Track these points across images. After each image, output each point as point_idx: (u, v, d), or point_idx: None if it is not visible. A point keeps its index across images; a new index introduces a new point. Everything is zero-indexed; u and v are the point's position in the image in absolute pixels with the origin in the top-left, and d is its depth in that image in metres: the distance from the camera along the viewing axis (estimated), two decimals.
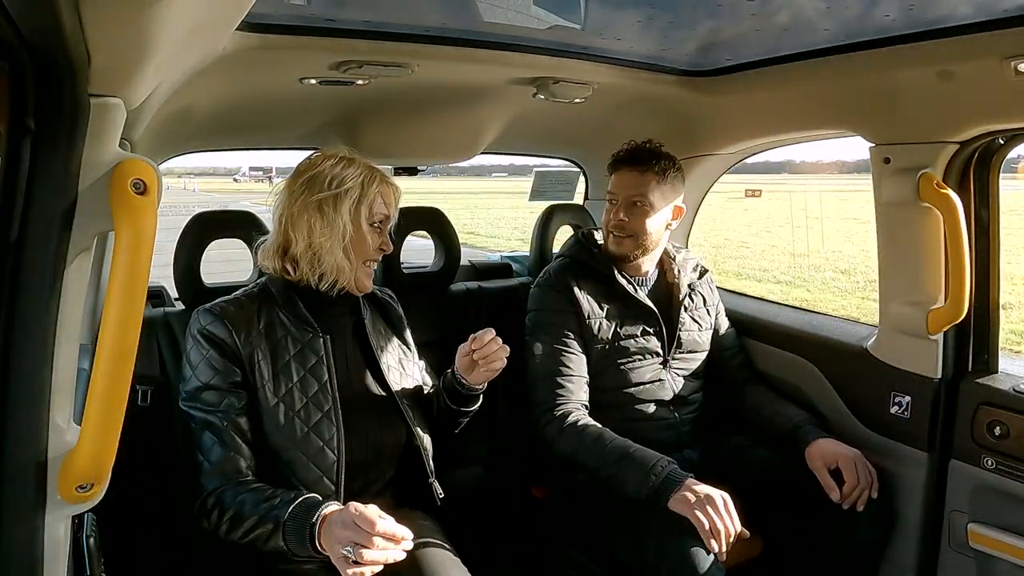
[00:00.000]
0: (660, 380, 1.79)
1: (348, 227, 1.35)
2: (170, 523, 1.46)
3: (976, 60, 1.33)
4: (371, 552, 1.08)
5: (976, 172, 1.61)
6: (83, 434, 0.75)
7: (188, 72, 1.18)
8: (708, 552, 1.36)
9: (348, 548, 1.09)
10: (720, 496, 1.40)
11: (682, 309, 1.84)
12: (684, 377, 1.83)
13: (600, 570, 1.60)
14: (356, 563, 1.08)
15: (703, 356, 1.87)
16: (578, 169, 2.57)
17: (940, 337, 1.65)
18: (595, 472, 1.56)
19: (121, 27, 0.65)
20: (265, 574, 1.27)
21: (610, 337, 1.75)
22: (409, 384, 1.49)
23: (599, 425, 1.61)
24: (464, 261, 2.16)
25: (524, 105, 1.81)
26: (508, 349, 1.40)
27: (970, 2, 1.23)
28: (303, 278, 1.38)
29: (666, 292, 1.86)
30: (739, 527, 1.39)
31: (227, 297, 1.39)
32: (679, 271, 1.87)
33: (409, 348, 1.56)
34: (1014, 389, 1.55)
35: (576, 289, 1.75)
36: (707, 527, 1.36)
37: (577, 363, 1.71)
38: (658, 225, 1.77)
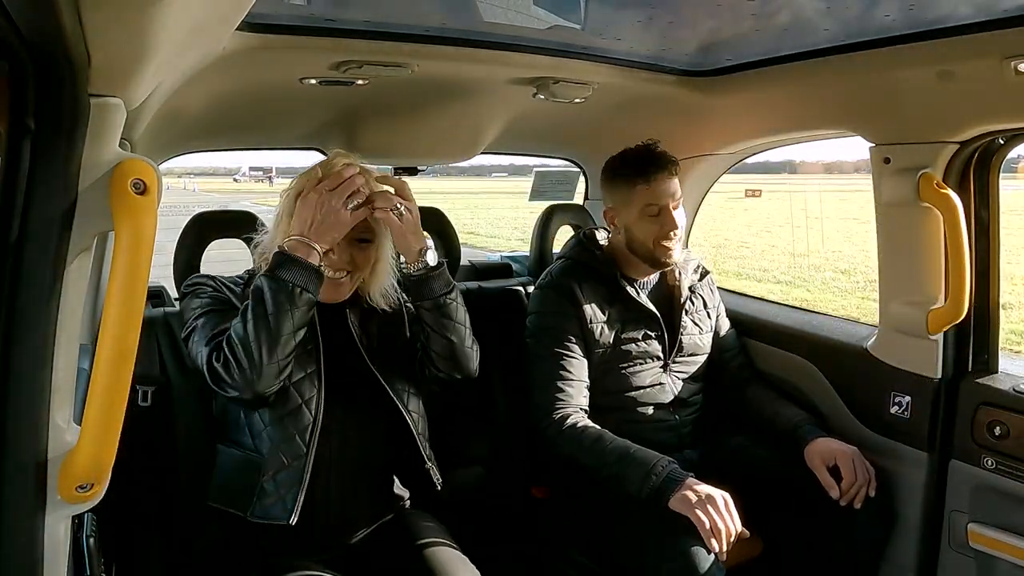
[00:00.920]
0: (660, 384, 1.79)
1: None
2: (170, 523, 1.46)
3: (976, 60, 1.33)
4: None
5: (976, 172, 1.61)
6: (83, 434, 0.75)
7: (188, 72, 1.18)
8: (708, 552, 1.36)
9: None
10: (721, 496, 1.40)
11: (683, 312, 1.83)
12: (684, 380, 1.82)
13: (600, 570, 1.60)
14: None
15: (703, 359, 1.87)
16: (578, 169, 2.57)
17: (940, 337, 1.64)
18: (595, 473, 1.56)
19: (121, 27, 0.65)
20: (266, 574, 1.27)
21: (611, 341, 1.75)
22: (400, 371, 1.46)
23: (598, 427, 1.61)
24: (464, 261, 2.16)
25: (524, 105, 1.81)
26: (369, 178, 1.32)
27: (970, 2, 1.23)
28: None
29: (667, 295, 1.85)
30: (740, 527, 1.39)
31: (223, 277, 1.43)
32: (680, 273, 1.86)
33: (404, 338, 1.54)
34: (1014, 389, 1.55)
35: (578, 292, 1.74)
36: (708, 526, 1.36)
37: (578, 367, 1.70)
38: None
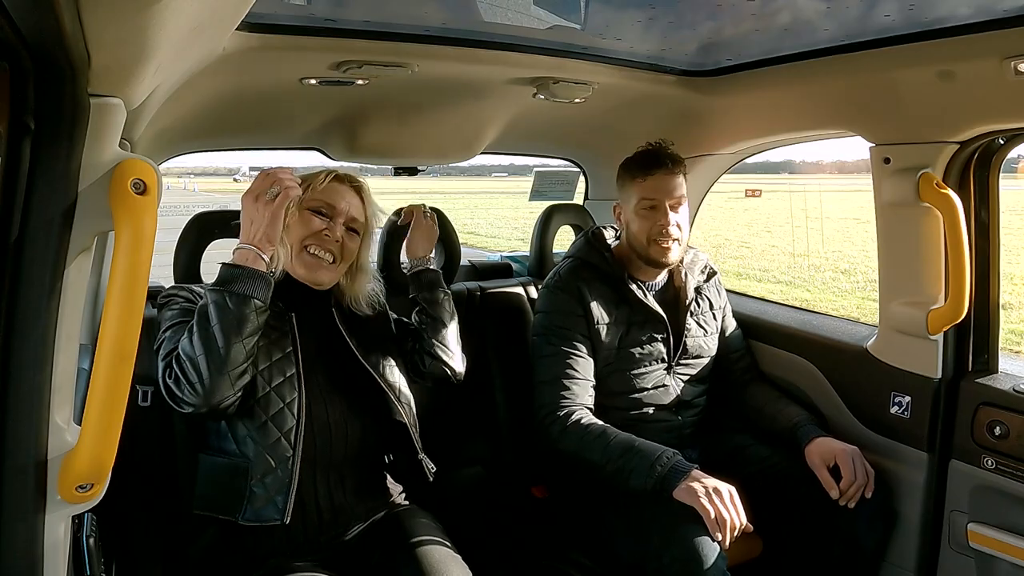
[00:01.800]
0: (664, 386, 1.78)
1: (291, 212, 1.35)
2: (170, 523, 1.46)
3: (976, 60, 1.33)
4: None
5: (976, 172, 1.61)
6: (83, 434, 0.75)
7: (188, 72, 1.18)
8: (713, 541, 1.36)
9: None
10: (727, 489, 1.41)
11: (688, 315, 1.83)
12: (688, 382, 1.82)
13: (600, 569, 1.60)
14: None
15: (708, 361, 1.86)
16: (578, 169, 2.57)
17: (940, 337, 1.64)
18: (600, 467, 1.56)
19: (121, 27, 0.65)
20: (264, 574, 1.27)
21: (616, 343, 1.74)
22: (389, 364, 1.47)
23: (601, 422, 1.61)
24: (464, 261, 2.16)
25: (524, 105, 1.81)
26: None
27: (970, 2, 1.23)
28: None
29: (673, 296, 1.85)
30: (744, 520, 1.39)
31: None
32: (686, 274, 1.85)
33: (390, 334, 1.56)
34: (1014, 389, 1.55)
35: (586, 292, 1.74)
36: (712, 516, 1.37)
37: (584, 367, 1.70)
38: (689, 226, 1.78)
